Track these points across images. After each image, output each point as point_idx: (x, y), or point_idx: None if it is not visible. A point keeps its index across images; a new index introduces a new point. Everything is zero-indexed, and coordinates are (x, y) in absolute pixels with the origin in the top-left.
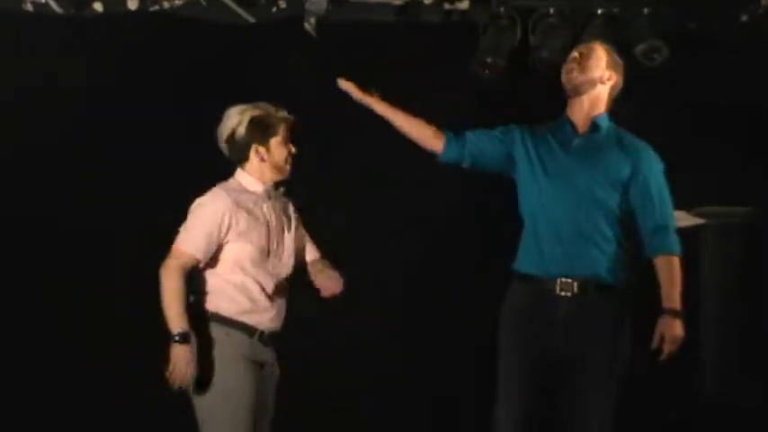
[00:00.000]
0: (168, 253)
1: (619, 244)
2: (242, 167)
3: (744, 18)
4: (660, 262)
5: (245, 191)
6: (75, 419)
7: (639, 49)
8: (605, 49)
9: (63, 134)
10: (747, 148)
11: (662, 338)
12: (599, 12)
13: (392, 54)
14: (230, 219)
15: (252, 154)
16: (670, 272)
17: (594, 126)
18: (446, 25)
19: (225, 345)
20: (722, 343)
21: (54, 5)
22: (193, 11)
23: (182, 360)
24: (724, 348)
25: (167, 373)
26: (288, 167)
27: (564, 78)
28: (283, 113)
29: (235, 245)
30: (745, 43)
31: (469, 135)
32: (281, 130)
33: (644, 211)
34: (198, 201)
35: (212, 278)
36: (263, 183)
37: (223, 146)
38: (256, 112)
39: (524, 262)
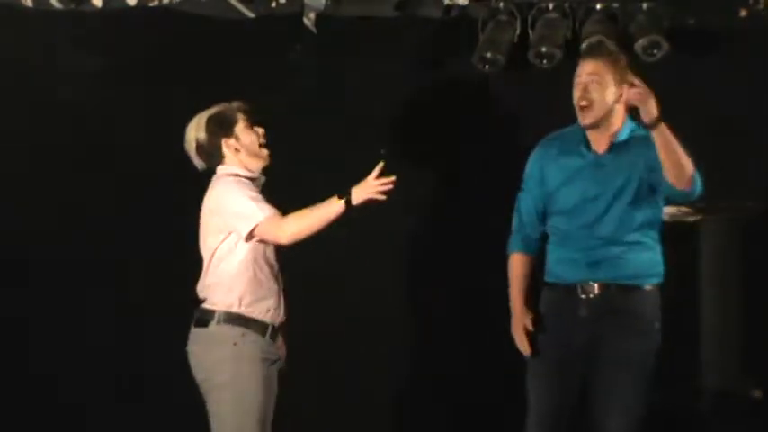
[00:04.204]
0: (256, 234)
1: (644, 247)
2: (222, 164)
3: (743, 13)
4: None
5: (239, 176)
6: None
7: (639, 44)
8: (610, 64)
9: (62, 129)
10: (747, 142)
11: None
12: (598, 7)
13: (391, 49)
14: None
15: (225, 150)
16: None
17: (613, 145)
18: (445, 20)
19: (241, 344)
20: (722, 338)
21: (53, 1)
22: (192, 6)
23: (372, 185)
24: (724, 342)
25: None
26: (264, 151)
27: (578, 116)
28: (237, 104)
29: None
30: (744, 38)
31: (529, 231)
32: (240, 118)
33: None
34: (224, 188)
35: (224, 276)
36: (247, 170)
37: (197, 161)
38: (209, 113)
39: (550, 272)
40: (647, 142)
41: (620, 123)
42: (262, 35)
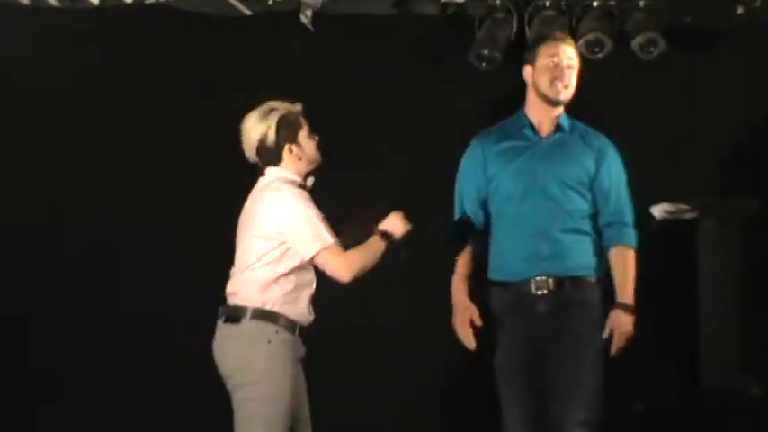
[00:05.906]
0: (318, 260)
1: (590, 238)
2: (276, 167)
3: (740, 11)
4: (613, 254)
5: (296, 183)
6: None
7: (636, 42)
8: (579, 55)
9: (59, 127)
10: (745, 139)
11: (611, 333)
12: (595, 4)
13: (388, 47)
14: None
15: (285, 154)
16: (624, 265)
17: (559, 127)
18: (442, 18)
19: (275, 342)
20: (721, 335)
21: None
22: (189, 3)
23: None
24: (723, 340)
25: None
26: (319, 156)
27: (547, 90)
28: (297, 106)
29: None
30: (741, 36)
31: (472, 221)
32: (304, 123)
33: (602, 206)
34: (291, 205)
35: (261, 280)
36: (300, 176)
37: (252, 156)
38: (280, 113)
39: (499, 270)
40: (593, 138)
41: (563, 108)
42: (258, 32)
